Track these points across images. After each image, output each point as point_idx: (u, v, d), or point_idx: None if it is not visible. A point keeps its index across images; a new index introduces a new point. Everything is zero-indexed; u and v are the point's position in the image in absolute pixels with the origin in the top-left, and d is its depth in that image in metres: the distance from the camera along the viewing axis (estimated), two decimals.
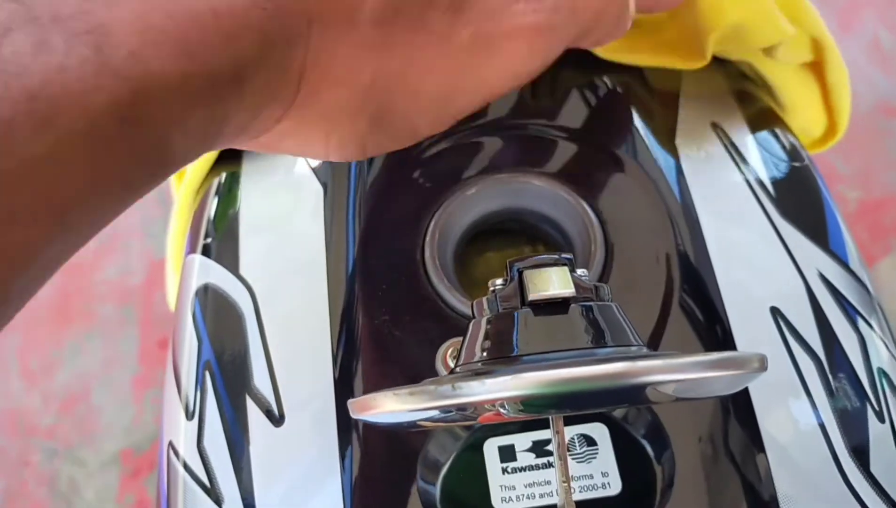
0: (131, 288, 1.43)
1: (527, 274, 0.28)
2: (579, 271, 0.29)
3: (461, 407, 0.24)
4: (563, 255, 0.29)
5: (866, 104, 1.56)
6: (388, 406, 0.25)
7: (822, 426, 0.37)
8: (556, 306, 0.28)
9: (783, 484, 0.35)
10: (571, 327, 0.27)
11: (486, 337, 0.28)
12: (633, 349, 0.27)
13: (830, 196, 0.45)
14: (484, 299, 0.29)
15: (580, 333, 0.27)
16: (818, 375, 0.38)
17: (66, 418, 1.31)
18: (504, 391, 0.23)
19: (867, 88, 1.61)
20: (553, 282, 0.28)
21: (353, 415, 0.28)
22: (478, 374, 0.25)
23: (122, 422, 1.31)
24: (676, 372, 0.23)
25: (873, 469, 0.36)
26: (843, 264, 0.42)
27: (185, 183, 0.50)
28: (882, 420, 0.38)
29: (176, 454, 0.40)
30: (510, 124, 0.45)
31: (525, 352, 0.27)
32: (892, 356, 0.40)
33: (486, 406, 0.24)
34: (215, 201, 0.48)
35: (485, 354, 0.28)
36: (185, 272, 0.46)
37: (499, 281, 0.30)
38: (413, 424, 0.28)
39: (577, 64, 0.46)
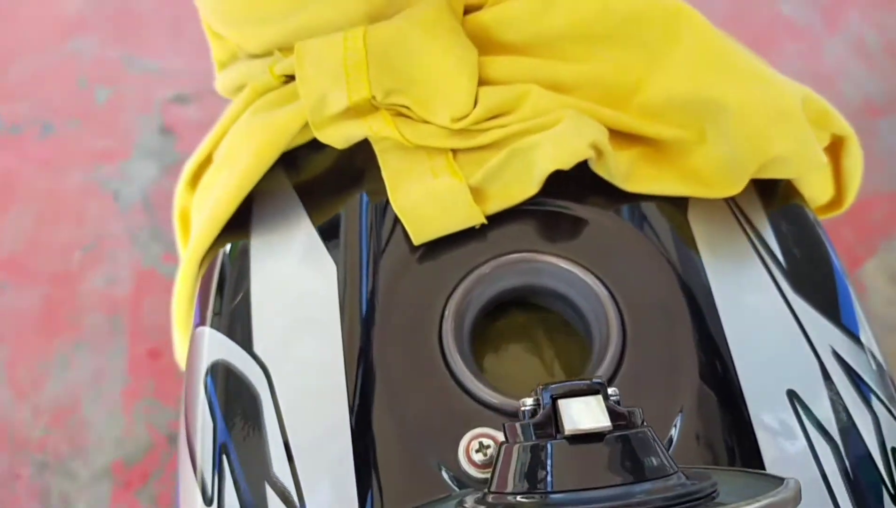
0: (119, 298, 1.42)
1: (561, 404, 0.28)
2: (611, 392, 0.29)
3: None
4: (595, 381, 0.29)
5: (852, 104, 1.56)
6: None
7: None
8: (591, 437, 0.28)
9: None
10: (608, 461, 0.27)
11: (520, 468, 0.28)
12: (671, 480, 0.27)
13: (840, 265, 0.46)
14: (517, 424, 0.29)
15: (617, 468, 0.27)
16: (835, 459, 0.38)
17: (57, 430, 1.31)
18: None
19: (852, 87, 1.61)
20: (589, 414, 0.28)
21: None
22: None
23: (113, 434, 1.30)
24: None
25: None
26: (856, 338, 0.42)
27: (190, 253, 0.50)
28: None
29: None
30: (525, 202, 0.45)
31: (561, 488, 0.27)
32: None
33: None
34: (223, 271, 0.48)
35: (519, 486, 0.28)
36: (195, 345, 0.46)
37: (529, 402, 0.30)
38: None
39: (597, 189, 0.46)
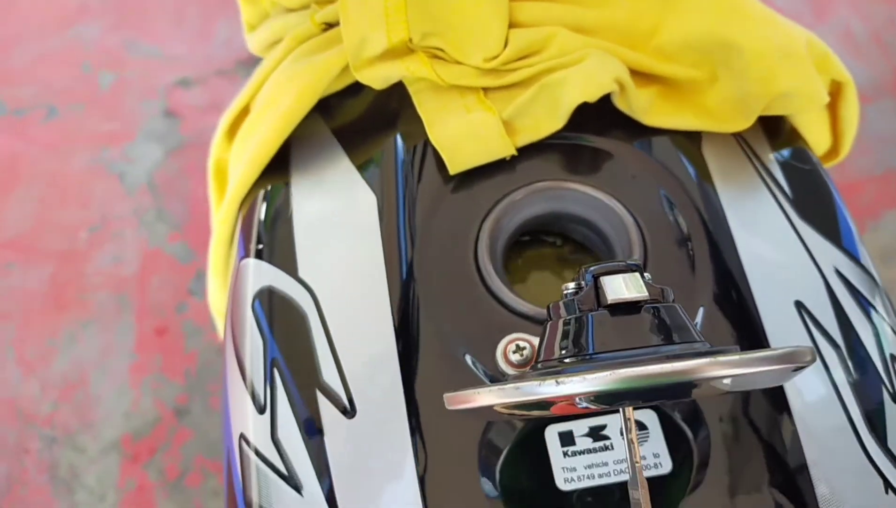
0: (126, 277, 1.44)
1: (603, 280, 0.31)
2: (646, 275, 0.32)
3: (543, 401, 0.28)
4: (632, 261, 0.32)
5: None
6: (489, 401, 0.29)
7: (845, 407, 0.41)
8: (628, 307, 0.31)
9: (812, 456, 0.39)
10: (644, 327, 0.31)
11: (566, 337, 0.32)
12: (698, 345, 0.31)
13: (841, 198, 0.49)
14: (560, 302, 0.33)
15: (652, 332, 0.30)
16: (839, 361, 0.42)
17: (65, 405, 1.32)
18: (598, 385, 0.26)
19: None
20: (628, 286, 0.31)
21: (449, 406, 0.31)
22: (562, 372, 0.28)
23: (121, 408, 1.32)
24: (742, 367, 0.27)
25: (890, 443, 0.41)
26: (856, 260, 0.46)
27: (231, 194, 0.52)
28: None
29: (248, 444, 0.43)
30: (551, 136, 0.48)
31: (603, 350, 0.30)
32: None
33: (563, 401, 0.28)
34: (265, 208, 0.51)
35: (564, 352, 0.31)
36: (240, 276, 0.49)
37: (571, 285, 0.33)
38: (492, 411, 0.31)
39: (618, 124, 0.49)
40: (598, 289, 0.32)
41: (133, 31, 1.70)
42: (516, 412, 0.33)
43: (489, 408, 0.31)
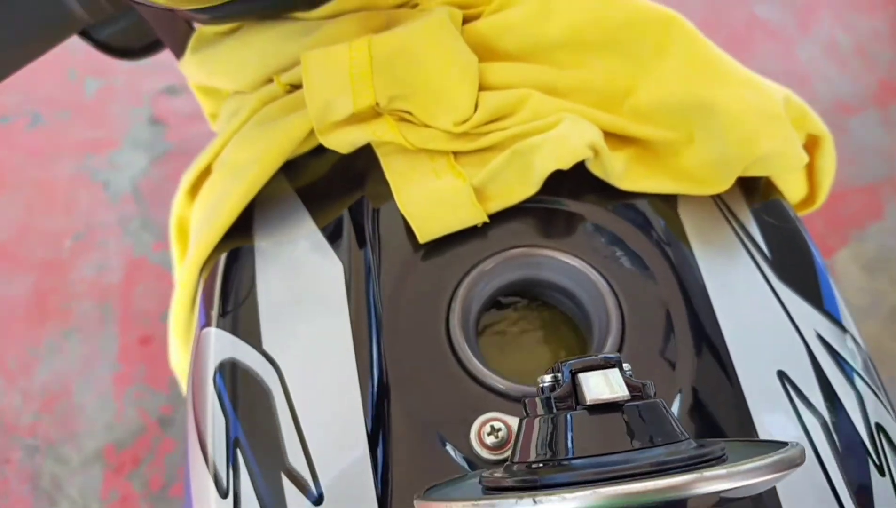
0: (109, 286, 1.43)
1: (581, 377, 0.30)
2: (626, 367, 0.31)
3: None
4: (610, 355, 0.31)
5: (824, 102, 1.61)
6: None
7: (830, 482, 0.40)
8: (608, 407, 0.30)
9: None
10: (625, 428, 0.29)
11: (543, 438, 0.30)
12: (683, 445, 0.29)
13: (820, 255, 0.49)
14: (536, 399, 0.31)
15: (634, 434, 0.29)
16: (823, 434, 0.41)
17: (47, 416, 1.32)
18: (579, 504, 0.25)
19: (825, 86, 1.66)
20: (607, 385, 0.30)
21: None
22: (539, 481, 0.27)
23: (104, 419, 1.32)
24: (734, 480, 0.26)
25: None
26: (838, 323, 0.45)
27: (192, 257, 0.51)
28: (882, 474, 0.41)
29: None
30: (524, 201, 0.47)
31: (582, 455, 0.29)
32: (887, 410, 0.44)
33: None
34: (228, 273, 0.49)
35: (541, 454, 0.30)
36: (201, 346, 0.47)
37: (547, 378, 0.31)
38: None
39: (593, 187, 0.48)
40: (575, 387, 0.30)
41: None
42: None
43: None
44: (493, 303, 0.46)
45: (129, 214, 1.50)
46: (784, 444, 0.29)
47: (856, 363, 0.44)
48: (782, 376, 0.42)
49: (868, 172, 1.59)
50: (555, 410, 0.30)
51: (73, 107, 1.61)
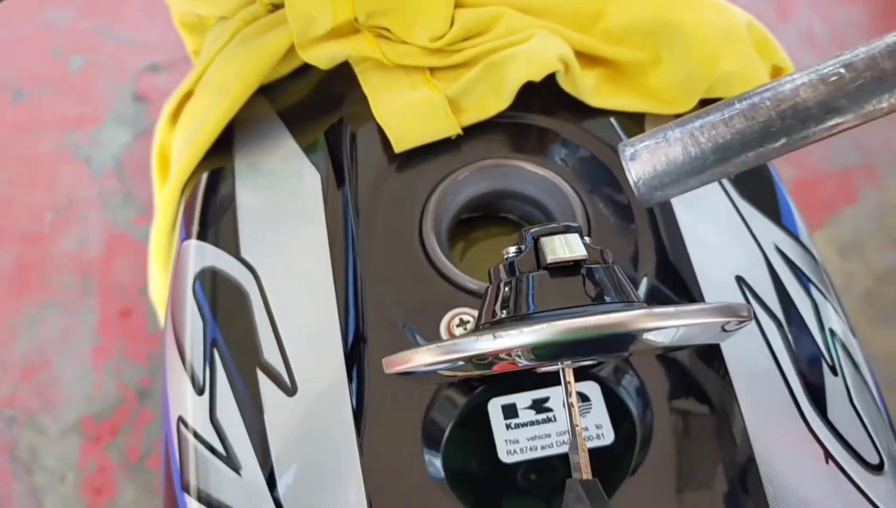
0: (90, 260, 1.44)
1: (543, 241, 0.32)
2: (588, 239, 0.32)
3: (482, 357, 0.28)
4: (570, 223, 0.32)
5: None
6: (430, 359, 0.29)
7: (786, 380, 0.41)
8: (568, 268, 0.31)
9: (754, 429, 0.39)
10: (581, 286, 0.31)
11: (506, 299, 0.32)
12: (636, 304, 0.31)
13: (780, 179, 0.51)
14: (500, 265, 0.33)
15: (591, 291, 0.31)
16: (780, 335, 0.42)
17: (26, 386, 1.31)
18: (536, 337, 0.26)
19: None
20: (568, 247, 0.31)
21: (388, 370, 0.30)
22: (509, 326, 0.28)
23: (83, 390, 1.32)
24: (680, 318, 0.27)
25: (830, 415, 0.41)
26: (795, 237, 0.47)
27: (173, 178, 0.52)
28: (835, 374, 0.43)
29: (186, 426, 0.42)
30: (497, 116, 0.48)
31: (543, 309, 0.30)
32: (840, 317, 0.45)
33: (503, 356, 0.28)
34: (208, 190, 0.50)
35: (504, 313, 0.31)
36: (181, 257, 0.48)
37: (511, 249, 0.33)
38: (432, 373, 0.31)
39: (564, 104, 0.49)
40: (537, 250, 0.32)
41: (105, 16, 1.69)
42: (458, 373, 0.33)
43: (432, 372, 0.31)
44: (470, 213, 0.48)
45: (110, 189, 1.50)
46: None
47: (812, 274, 0.46)
48: (740, 280, 0.43)
49: (843, 158, 1.61)
50: (518, 273, 0.32)
51: (56, 83, 1.61)
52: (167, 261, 0.56)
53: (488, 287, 0.33)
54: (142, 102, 1.59)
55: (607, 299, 0.31)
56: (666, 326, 0.27)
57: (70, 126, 1.56)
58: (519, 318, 0.31)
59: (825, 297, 0.45)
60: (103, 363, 1.35)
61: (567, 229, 0.32)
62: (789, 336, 0.43)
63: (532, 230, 0.32)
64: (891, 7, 1.78)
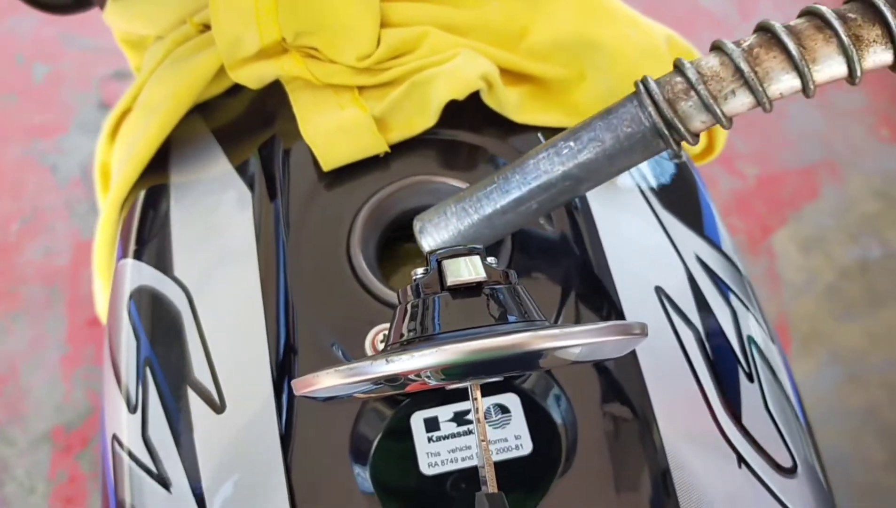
0: (57, 269, 1.44)
1: (445, 263, 0.33)
2: (490, 259, 0.34)
3: (392, 378, 0.29)
4: (474, 245, 0.33)
5: None
6: (329, 382, 0.29)
7: (701, 388, 0.42)
8: (470, 289, 0.32)
9: (670, 436, 0.41)
10: (484, 307, 0.32)
11: (412, 319, 0.33)
12: (537, 323, 0.32)
13: (706, 188, 0.52)
14: (408, 286, 0.33)
15: (492, 311, 0.32)
16: (696, 343, 0.44)
17: None
18: (427, 361, 0.27)
19: None
20: (468, 269, 0.32)
21: (297, 393, 0.31)
22: (404, 350, 0.30)
23: (53, 400, 1.32)
24: (569, 338, 0.28)
25: (745, 421, 0.42)
26: (717, 247, 0.48)
27: (111, 196, 0.53)
28: (751, 380, 0.44)
29: (120, 444, 0.43)
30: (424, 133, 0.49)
31: (445, 330, 0.31)
32: (760, 325, 0.46)
33: (412, 377, 0.28)
34: (145, 208, 0.51)
35: (411, 334, 0.32)
36: (118, 277, 0.49)
37: (420, 271, 0.34)
38: (350, 396, 0.32)
39: (491, 121, 0.50)
40: (441, 272, 0.33)
41: (68, 23, 1.69)
42: (373, 394, 0.34)
43: (347, 395, 0.32)
44: (399, 231, 0.48)
45: (77, 197, 1.50)
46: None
47: (733, 282, 0.47)
48: (659, 291, 0.45)
49: (805, 155, 1.64)
50: (422, 294, 0.33)
51: (20, 91, 1.61)
52: (109, 270, 0.57)
53: (397, 307, 0.34)
54: (107, 110, 1.58)
55: (510, 318, 0.32)
56: (551, 347, 0.28)
57: (35, 134, 1.56)
58: (424, 338, 0.32)
59: (745, 305, 0.46)
60: (72, 372, 1.35)
61: (470, 251, 0.33)
62: (706, 345, 0.44)
63: (437, 253, 0.33)
64: None
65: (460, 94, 0.47)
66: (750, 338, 0.45)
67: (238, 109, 0.53)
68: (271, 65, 0.49)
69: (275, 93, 0.50)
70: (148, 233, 0.49)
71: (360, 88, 0.49)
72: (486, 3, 0.50)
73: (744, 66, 0.33)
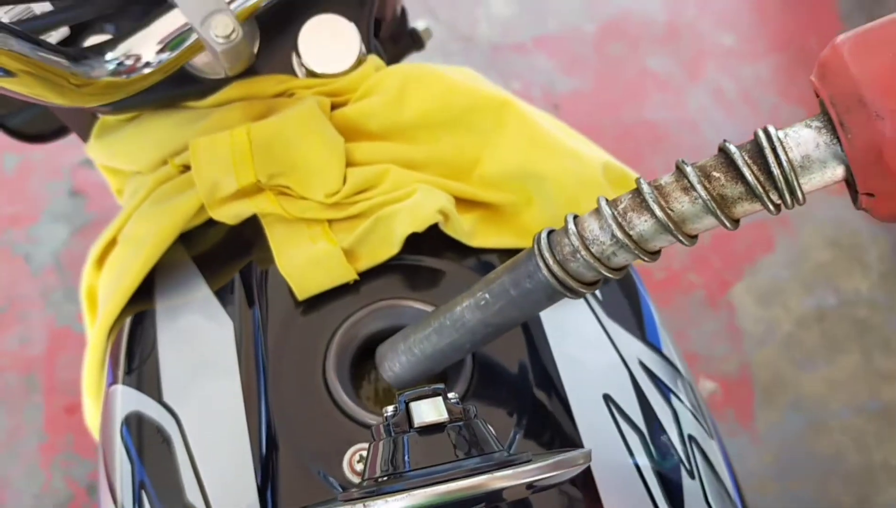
0: (33, 357, 1.45)
1: (412, 405, 0.38)
2: (451, 396, 0.38)
3: None
4: (437, 386, 0.38)
5: (713, 146, 1.71)
6: None
7: (648, 488, 0.47)
8: (434, 428, 0.37)
9: None
10: (447, 444, 0.37)
11: (384, 457, 0.37)
12: (496, 455, 0.37)
13: (646, 291, 0.57)
14: (380, 425, 0.38)
15: (455, 449, 0.37)
16: (642, 446, 0.48)
17: None
18: (398, 505, 0.32)
19: (713, 131, 1.79)
20: (433, 410, 0.37)
21: None
22: (379, 493, 0.34)
23: (32, 490, 1.33)
24: (522, 477, 0.33)
25: None
26: (658, 350, 0.53)
27: (100, 322, 0.56)
28: (693, 477, 0.48)
29: None
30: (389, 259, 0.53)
31: (414, 467, 0.36)
32: (699, 422, 0.51)
33: None
34: (133, 335, 0.55)
35: (384, 471, 0.37)
36: (110, 401, 0.52)
37: (390, 409, 0.39)
38: None
39: (450, 246, 0.54)
40: (409, 413, 0.37)
41: None
42: None
43: None
44: (368, 346, 0.53)
45: (51, 285, 1.53)
46: (577, 450, 0.37)
47: (673, 384, 0.52)
48: (607, 398, 0.49)
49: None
50: (393, 434, 0.38)
51: None
52: (98, 394, 0.60)
53: (371, 444, 0.39)
54: (78, 197, 1.62)
55: (473, 452, 0.37)
56: (506, 486, 0.33)
57: (6, 225, 1.58)
58: (396, 477, 0.36)
59: (685, 405, 0.51)
60: (51, 460, 1.37)
61: (434, 393, 0.38)
62: (651, 447, 0.48)
63: (404, 395, 0.38)
64: (793, 62, 1.88)
65: (420, 227, 0.52)
66: (690, 436, 0.50)
67: (216, 238, 0.57)
68: (248, 204, 0.53)
69: (250, 222, 0.55)
70: (137, 360, 0.53)
71: (330, 221, 0.53)
72: (439, 139, 0.55)
73: (618, 233, 0.35)
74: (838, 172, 0.32)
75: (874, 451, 1.53)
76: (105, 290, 0.58)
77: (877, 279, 1.69)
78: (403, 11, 0.88)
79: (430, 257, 0.54)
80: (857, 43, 0.31)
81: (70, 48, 0.49)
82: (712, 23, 1.96)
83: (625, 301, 0.55)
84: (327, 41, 0.56)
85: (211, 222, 0.56)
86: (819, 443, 1.52)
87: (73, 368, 1.44)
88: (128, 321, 0.56)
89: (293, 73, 0.58)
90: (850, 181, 0.33)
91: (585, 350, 0.52)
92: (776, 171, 0.32)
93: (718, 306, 1.62)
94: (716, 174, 0.33)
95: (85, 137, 0.64)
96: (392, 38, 0.88)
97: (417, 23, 0.90)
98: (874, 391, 1.58)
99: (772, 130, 0.32)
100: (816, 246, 1.71)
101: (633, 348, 0.52)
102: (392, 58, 0.89)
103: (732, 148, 0.33)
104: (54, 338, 1.49)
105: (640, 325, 0.54)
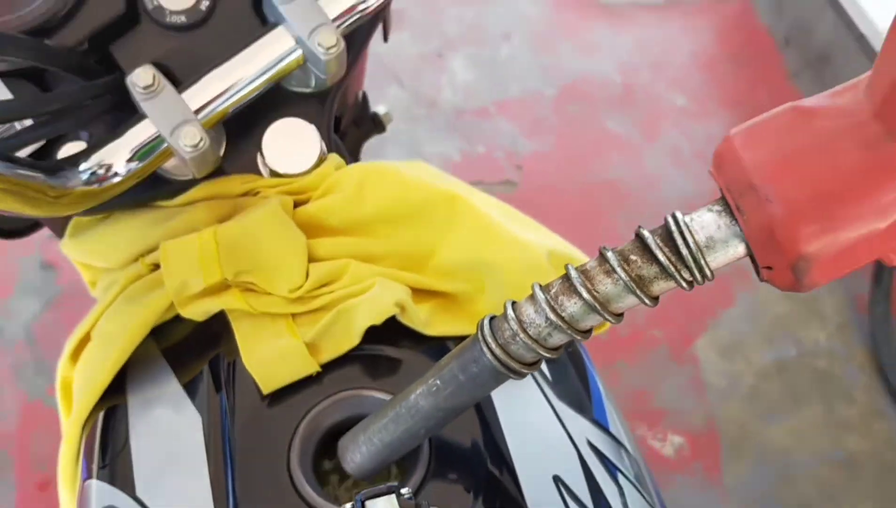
0: (4, 433, 1.45)
1: (367, 504, 0.40)
2: (404, 492, 0.41)
3: None
4: (391, 484, 0.41)
5: (672, 203, 1.78)
6: None
7: None
8: None
9: None
10: None
11: None
12: None
13: (595, 370, 0.60)
14: None
15: None
16: None
17: None
18: None
19: (671, 188, 1.85)
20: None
21: None
22: None
23: None
24: None
25: None
26: (605, 429, 0.56)
27: (74, 416, 0.58)
28: None
29: None
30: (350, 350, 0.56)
31: None
32: (644, 498, 0.54)
33: None
34: (106, 429, 0.57)
35: None
36: (85, 495, 0.54)
37: (347, 506, 0.41)
38: None
39: (409, 335, 0.58)
40: None
41: None
42: None
43: None
44: (334, 433, 0.55)
45: (22, 359, 1.53)
46: None
47: (620, 462, 0.55)
48: (557, 480, 0.52)
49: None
50: None
51: None
52: (73, 487, 0.62)
53: None
54: (50, 270, 1.63)
55: None
56: None
57: None
58: None
59: (631, 483, 0.54)
60: None
61: (388, 490, 0.40)
62: None
63: (360, 494, 0.41)
64: (745, 118, 1.92)
65: (378, 319, 0.55)
66: None
67: (185, 331, 0.60)
68: (215, 301, 0.56)
69: (218, 315, 0.58)
70: (110, 454, 0.55)
71: (294, 315, 0.56)
72: (396, 232, 0.59)
73: (551, 315, 0.38)
74: (740, 249, 0.36)
75: (841, 501, 1.56)
76: (78, 385, 0.60)
77: (834, 330, 1.73)
78: (364, 97, 0.93)
79: (388, 347, 0.57)
80: (748, 135, 0.35)
81: (45, 162, 0.52)
82: (665, 84, 2.03)
83: (573, 381, 0.58)
84: (290, 143, 0.60)
85: (180, 317, 0.58)
86: (786, 495, 1.55)
87: (46, 443, 1.44)
88: (101, 415, 0.58)
89: (258, 172, 0.61)
90: (751, 257, 0.36)
91: (536, 432, 0.54)
92: (685, 251, 0.35)
93: (683, 360, 1.66)
94: (633, 257, 0.37)
95: (60, 234, 0.67)
96: (355, 122, 0.92)
97: (378, 107, 0.94)
98: (837, 441, 1.62)
99: (679, 215, 0.36)
100: (774, 299, 1.76)
101: (582, 427, 0.55)
102: (355, 141, 0.93)
103: (646, 233, 0.36)
104: (26, 413, 1.49)
105: (587, 404, 0.57)
